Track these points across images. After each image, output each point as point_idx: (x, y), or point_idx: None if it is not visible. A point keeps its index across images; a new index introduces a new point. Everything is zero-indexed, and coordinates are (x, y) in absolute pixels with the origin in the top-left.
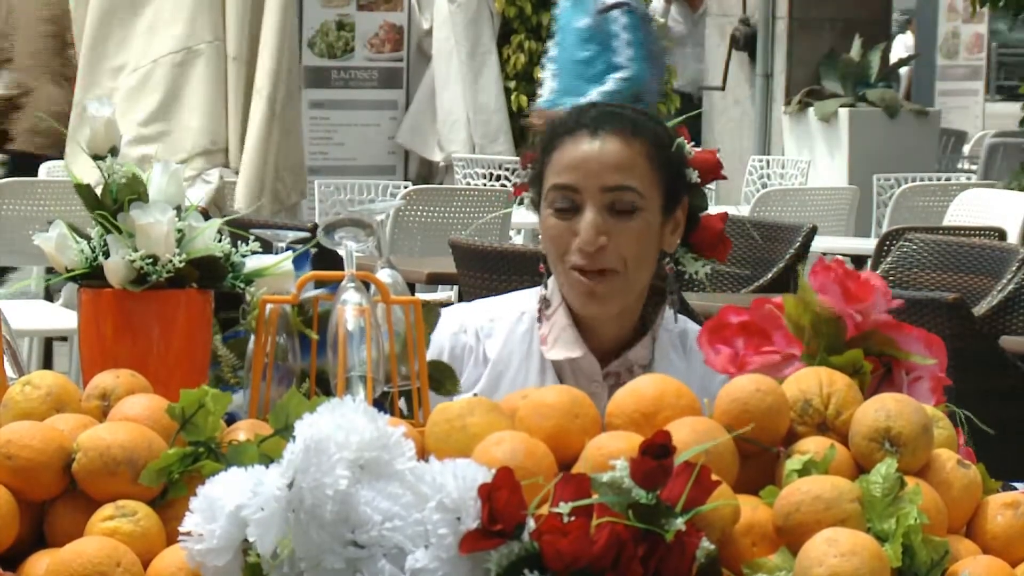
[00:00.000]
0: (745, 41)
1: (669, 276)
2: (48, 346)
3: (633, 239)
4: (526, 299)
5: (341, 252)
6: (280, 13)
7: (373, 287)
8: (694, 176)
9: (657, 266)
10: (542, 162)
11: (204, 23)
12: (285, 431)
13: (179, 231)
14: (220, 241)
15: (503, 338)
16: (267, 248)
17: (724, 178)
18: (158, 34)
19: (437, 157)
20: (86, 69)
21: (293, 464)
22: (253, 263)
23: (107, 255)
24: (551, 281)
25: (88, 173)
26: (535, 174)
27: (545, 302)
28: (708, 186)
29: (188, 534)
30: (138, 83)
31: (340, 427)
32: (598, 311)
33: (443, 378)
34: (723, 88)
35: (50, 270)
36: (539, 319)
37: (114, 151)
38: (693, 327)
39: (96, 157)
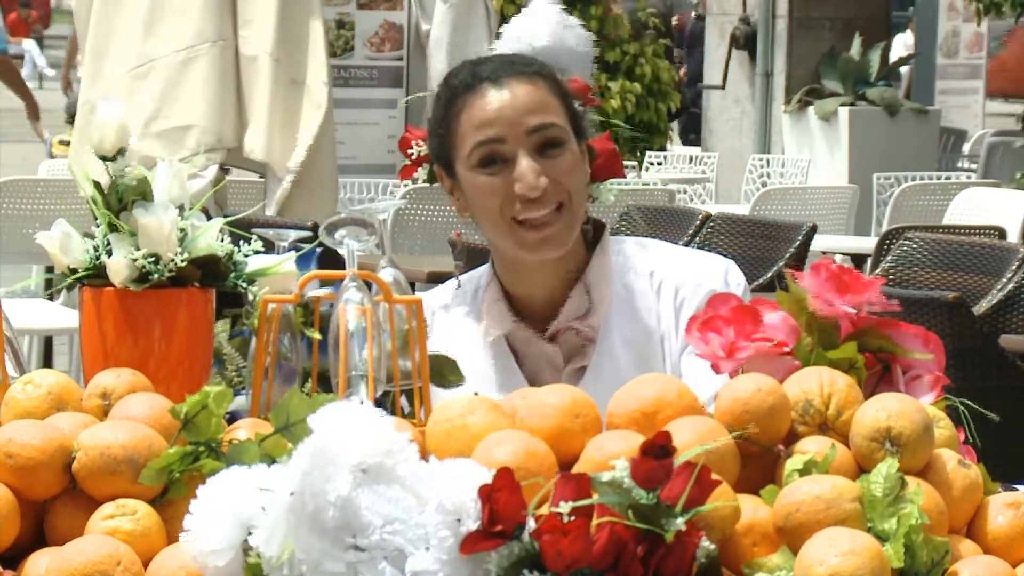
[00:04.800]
0: (745, 40)
1: (588, 216)
2: (48, 344)
3: (568, 172)
4: (479, 276)
5: (342, 251)
6: (319, 13)
7: (375, 286)
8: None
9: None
10: (446, 128)
11: (211, 22)
12: (286, 430)
13: (181, 230)
14: (222, 241)
15: (451, 317)
16: (269, 247)
17: (594, 102)
18: (162, 32)
19: None
20: (90, 66)
21: (295, 469)
22: (255, 263)
23: (110, 254)
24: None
25: (91, 171)
26: (439, 143)
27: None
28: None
29: (189, 534)
30: (141, 80)
31: (343, 432)
32: (551, 253)
33: (445, 370)
34: (723, 87)
35: (50, 268)
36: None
37: (122, 152)
38: (663, 266)
39: (104, 158)
